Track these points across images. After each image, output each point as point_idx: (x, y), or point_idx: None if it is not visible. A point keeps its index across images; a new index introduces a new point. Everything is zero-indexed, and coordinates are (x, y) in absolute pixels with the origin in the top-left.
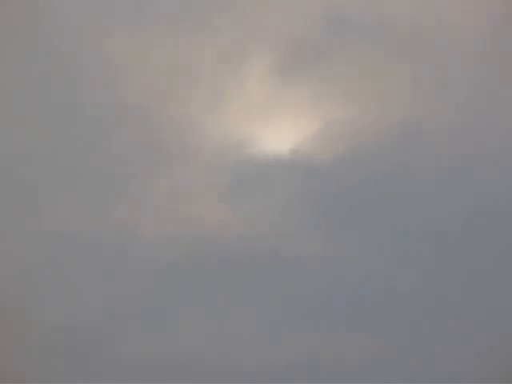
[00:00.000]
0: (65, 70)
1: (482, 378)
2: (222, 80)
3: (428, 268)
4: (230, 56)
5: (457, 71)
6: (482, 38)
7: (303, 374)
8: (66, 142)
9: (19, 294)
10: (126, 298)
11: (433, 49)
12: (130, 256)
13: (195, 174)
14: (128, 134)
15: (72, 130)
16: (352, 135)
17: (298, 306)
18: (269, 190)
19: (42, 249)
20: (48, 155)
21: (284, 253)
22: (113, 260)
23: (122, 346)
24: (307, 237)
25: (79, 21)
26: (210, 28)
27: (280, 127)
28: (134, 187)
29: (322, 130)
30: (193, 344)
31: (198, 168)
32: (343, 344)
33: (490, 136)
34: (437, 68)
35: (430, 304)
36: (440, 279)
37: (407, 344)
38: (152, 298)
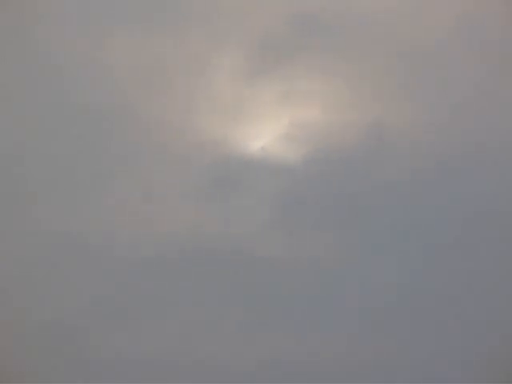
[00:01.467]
0: (58, 70)
1: (482, 378)
2: (193, 81)
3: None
4: (199, 56)
5: (457, 71)
6: (482, 38)
7: (278, 375)
8: (58, 142)
9: (6, 292)
10: (104, 297)
11: (433, 49)
12: (109, 255)
13: (169, 174)
14: (104, 135)
15: (60, 129)
16: (321, 135)
17: (272, 305)
18: (242, 189)
19: (32, 248)
20: (39, 155)
21: (257, 252)
22: (97, 259)
23: (106, 344)
24: (280, 236)
25: (78, 21)
26: (180, 28)
27: (250, 127)
28: (110, 187)
29: (292, 129)
30: (167, 344)
31: (171, 168)
32: (316, 344)
33: (490, 136)
34: (437, 68)
35: (428, 304)
36: (432, 279)
37: (407, 344)
38: (125, 298)
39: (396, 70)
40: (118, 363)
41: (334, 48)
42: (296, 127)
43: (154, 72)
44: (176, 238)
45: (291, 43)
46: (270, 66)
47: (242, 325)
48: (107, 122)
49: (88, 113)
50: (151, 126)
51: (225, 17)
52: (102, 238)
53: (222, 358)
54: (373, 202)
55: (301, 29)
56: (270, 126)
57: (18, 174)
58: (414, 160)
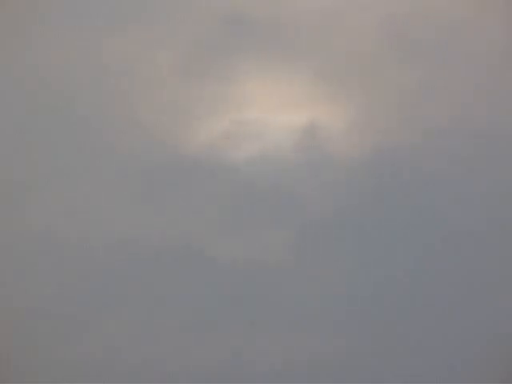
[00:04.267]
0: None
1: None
2: (132, 83)
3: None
4: (135, 57)
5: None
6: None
7: (226, 376)
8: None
9: None
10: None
11: (369, 49)
12: (62, 257)
13: (115, 174)
14: (50, 134)
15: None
16: (259, 134)
17: (220, 305)
18: (184, 189)
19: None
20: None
21: (204, 251)
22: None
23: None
24: (222, 235)
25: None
26: (116, 29)
27: (189, 128)
28: (63, 186)
29: (231, 129)
30: (113, 344)
31: (117, 168)
32: (265, 343)
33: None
34: (373, 71)
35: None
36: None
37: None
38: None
39: (332, 71)
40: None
41: (269, 49)
42: (235, 127)
43: (92, 72)
44: (124, 238)
45: (227, 44)
46: (206, 66)
47: (192, 324)
48: (50, 121)
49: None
50: (95, 126)
51: (161, 17)
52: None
53: (166, 356)
54: (310, 200)
55: (237, 30)
56: (209, 126)
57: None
58: (347, 159)
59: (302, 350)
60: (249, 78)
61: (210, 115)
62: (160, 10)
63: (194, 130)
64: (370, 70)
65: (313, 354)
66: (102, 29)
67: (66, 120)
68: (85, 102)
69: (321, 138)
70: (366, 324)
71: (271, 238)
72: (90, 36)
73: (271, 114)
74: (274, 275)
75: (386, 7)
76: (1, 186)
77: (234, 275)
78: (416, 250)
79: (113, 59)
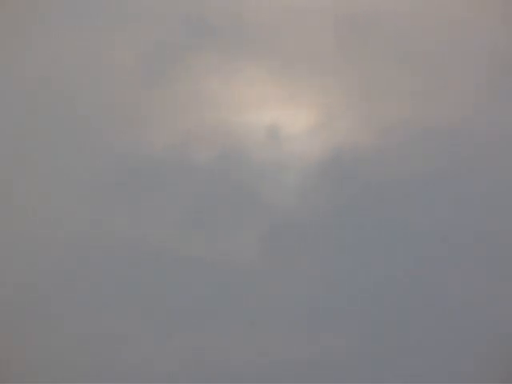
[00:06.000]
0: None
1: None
2: (92, 83)
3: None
4: (96, 57)
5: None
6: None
7: (191, 375)
8: None
9: None
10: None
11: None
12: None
13: (79, 174)
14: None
15: None
16: (225, 135)
17: (184, 305)
18: (147, 190)
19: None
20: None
21: (169, 252)
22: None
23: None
24: (189, 236)
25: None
26: (74, 29)
27: (151, 128)
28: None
29: (194, 129)
30: (66, 344)
31: (80, 168)
32: (230, 343)
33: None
34: (321, 72)
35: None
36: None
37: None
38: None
39: (294, 71)
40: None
41: (231, 48)
42: (198, 127)
43: (51, 73)
44: (87, 239)
45: (189, 44)
46: (168, 66)
47: (166, 325)
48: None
49: None
50: (64, 126)
51: (120, 17)
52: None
53: (138, 356)
54: (274, 199)
55: (198, 30)
56: (171, 126)
57: None
58: (310, 159)
59: (279, 350)
60: (210, 78)
61: (172, 115)
62: (120, 8)
63: (155, 131)
64: (332, 70)
65: (286, 355)
66: (59, 29)
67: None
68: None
69: (284, 138)
70: (345, 324)
71: (236, 237)
72: (39, 36)
73: (234, 114)
74: (244, 275)
75: (348, 7)
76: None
77: (203, 275)
78: (381, 248)
79: (71, 59)
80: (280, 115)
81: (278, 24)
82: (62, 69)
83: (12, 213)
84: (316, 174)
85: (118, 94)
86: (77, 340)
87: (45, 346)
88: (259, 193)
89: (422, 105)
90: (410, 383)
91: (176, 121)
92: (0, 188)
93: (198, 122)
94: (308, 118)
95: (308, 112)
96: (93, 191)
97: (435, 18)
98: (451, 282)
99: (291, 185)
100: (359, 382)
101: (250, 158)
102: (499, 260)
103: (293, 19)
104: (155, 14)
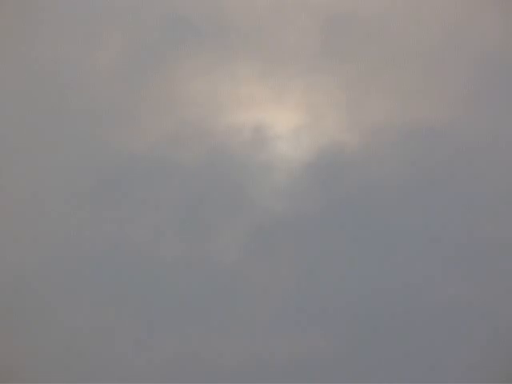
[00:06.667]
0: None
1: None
2: (81, 85)
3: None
4: (81, 58)
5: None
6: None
7: (174, 374)
8: None
9: None
10: None
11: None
12: None
13: (64, 173)
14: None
15: None
16: (207, 135)
17: (170, 305)
18: (134, 190)
19: None
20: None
21: (152, 252)
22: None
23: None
24: (173, 236)
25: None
26: (55, 30)
27: (133, 129)
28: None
29: (177, 129)
30: (46, 346)
31: (66, 168)
32: (208, 343)
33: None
34: (307, 73)
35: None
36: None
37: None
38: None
39: (278, 71)
40: None
41: (217, 49)
42: (181, 127)
43: (29, 73)
44: (72, 238)
45: (175, 44)
46: (148, 66)
47: (147, 326)
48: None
49: None
50: (49, 127)
51: (105, 17)
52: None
53: (117, 356)
54: (259, 200)
55: (184, 30)
56: (153, 126)
57: None
58: (295, 160)
59: (265, 350)
60: (196, 78)
61: (157, 116)
62: (99, 8)
63: (141, 131)
64: (319, 70)
65: (264, 356)
66: (37, 29)
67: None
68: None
69: (270, 139)
70: (332, 323)
71: (221, 238)
72: (17, 37)
73: (219, 114)
74: (229, 275)
75: (334, 7)
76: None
77: (188, 275)
78: (368, 248)
79: (52, 60)
80: (266, 116)
81: (265, 24)
82: (44, 68)
83: None
84: (302, 175)
85: (103, 94)
86: (61, 341)
87: (44, 347)
88: (245, 193)
89: (410, 105)
90: (410, 383)
91: (162, 121)
92: None
93: (183, 123)
94: (294, 118)
95: (294, 112)
96: (78, 190)
97: (422, 18)
98: (439, 282)
99: (277, 185)
100: (347, 381)
101: (236, 158)
102: (488, 261)
103: (279, 19)
104: (141, 14)
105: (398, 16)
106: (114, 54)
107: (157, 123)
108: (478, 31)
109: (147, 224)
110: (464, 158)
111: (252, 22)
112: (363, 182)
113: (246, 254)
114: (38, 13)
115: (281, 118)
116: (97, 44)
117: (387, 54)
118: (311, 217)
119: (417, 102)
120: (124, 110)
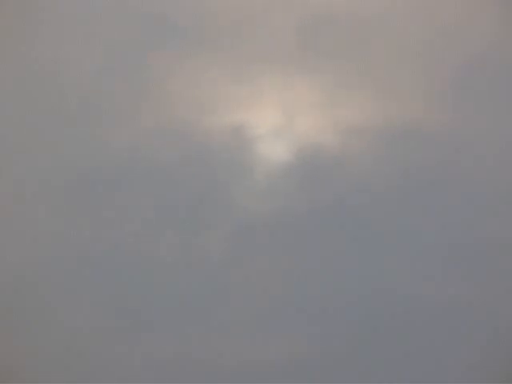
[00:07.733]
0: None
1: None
2: (56, 84)
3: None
4: (78, 56)
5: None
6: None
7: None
8: None
9: None
10: None
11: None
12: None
13: (39, 174)
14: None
15: None
16: (189, 135)
17: (155, 305)
18: (111, 191)
19: None
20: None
21: (131, 255)
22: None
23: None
24: (152, 238)
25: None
26: (39, 30)
27: (113, 128)
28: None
29: (158, 129)
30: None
31: (41, 168)
32: (198, 343)
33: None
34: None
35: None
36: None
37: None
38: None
39: (258, 71)
40: None
41: (194, 48)
42: (161, 127)
43: (29, 73)
44: (49, 240)
45: (151, 44)
46: (130, 65)
47: (128, 325)
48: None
49: None
50: (24, 127)
51: (100, 16)
52: None
53: (105, 357)
54: (240, 200)
55: (160, 29)
56: (134, 126)
57: None
58: (276, 160)
59: (251, 351)
60: (173, 78)
61: (133, 116)
62: (98, 10)
63: (117, 132)
64: (296, 70)
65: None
66: (24, 29)
67: None
68: None
69: (248, 139)
70: (319, 324)
71: (201, 238)
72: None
73: (197, 114)
74: (209, 276)
75: (311, 6)
76: None
77: (170, 275)
78: (347, 248)
79: (37, 60)
80: (244, 116)
81: (241, 24)
82: (44, 68)
83: None
84: (281, 175)
85: (78, 94)
86: (61, 341)
87: (45, 346)
88: (224, 194)
89: (390, 105)
90: (410, 383)
91: (138, 121)
92: None
93: (160, 123)
94: (273, 118)
95: (273, 113)
96: (54, 192)
97: (403, 17)
98: (439, 282)
99: (257, 186)
100: (347, 381)
101: (214, 159)
102: (488, 261)
103: (255, 19)
104: (115, 12)
105: (378, 16)
106: (89, 52)
107: (133, 124)
108: (477, 31)
109: (124, 225)
110: (464, 158)
111: (230, 22)
112: (342, 181)
113: (225, 255)
114: (37, 13)
115: (259, 119)
116: (97, 44)
117: (367, 53)
118: (292, 217)
119: (397, 102)
120: (100, 110)
